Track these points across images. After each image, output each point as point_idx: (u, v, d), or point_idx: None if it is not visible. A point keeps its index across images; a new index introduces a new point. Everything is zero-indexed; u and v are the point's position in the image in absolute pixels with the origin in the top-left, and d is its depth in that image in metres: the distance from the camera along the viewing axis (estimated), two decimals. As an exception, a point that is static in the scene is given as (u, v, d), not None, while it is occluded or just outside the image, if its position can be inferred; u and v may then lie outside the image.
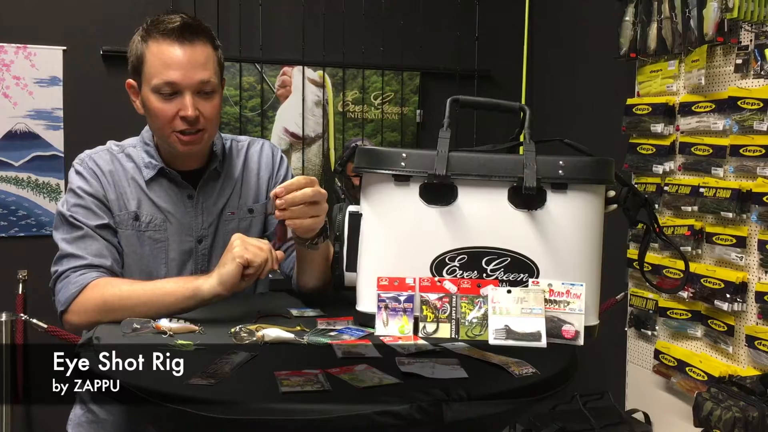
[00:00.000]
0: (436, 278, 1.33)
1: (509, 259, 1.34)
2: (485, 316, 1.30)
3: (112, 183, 1.56)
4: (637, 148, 2.79)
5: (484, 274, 1.34)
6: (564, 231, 1.33)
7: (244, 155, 1.68)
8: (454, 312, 1.31)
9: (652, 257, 2.70)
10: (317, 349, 1.24)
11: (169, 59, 1.47)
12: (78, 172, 1.56)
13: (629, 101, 2.83)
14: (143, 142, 1.61)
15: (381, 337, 1.29)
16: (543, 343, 1.27)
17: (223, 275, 1.37)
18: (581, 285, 1.31)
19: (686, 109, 2.59)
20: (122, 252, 1.55)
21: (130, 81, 1.56)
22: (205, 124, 1.51)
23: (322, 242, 1.48)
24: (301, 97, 3.42)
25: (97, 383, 1.12)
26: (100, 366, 1.11)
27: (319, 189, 1.39)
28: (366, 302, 1.37)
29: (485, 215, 1.33)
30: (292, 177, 1.75)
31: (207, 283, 1.38)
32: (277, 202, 1.36)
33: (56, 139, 3.08)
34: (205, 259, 1.60)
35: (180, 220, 1.58)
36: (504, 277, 1.34)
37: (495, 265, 1.34)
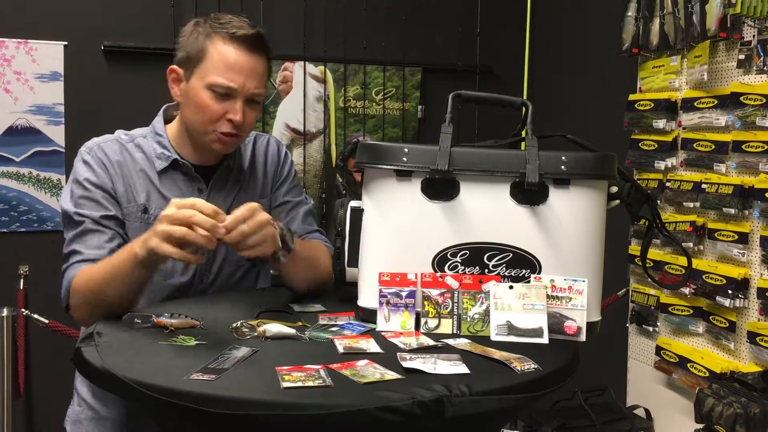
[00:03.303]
0: (438, 274, 1.33)
1: (511, 254, 1.33)
2: (487, 312, 1.30)
3: (121, 174, 1.56)
4: (639, 144, 2.78)
5: (486, 270, 1.34)
6: (566, 227, 1.33)
7: (251, 150, 1.70)
8: (455, 308, 1.31)
9: (654, 253, 2.70)
10: (319, 344, 1.23)
11: (235, 64, 1.50)
12: (85, 162, 1.56)
13: (631, 97, 2.83)
14: (155, 132, 1.61)
15: (382, 333, 1.29)
16: (545, 339, 1.27)
17: (150, 248, 1.30)
18: (583, 281, 1.30)
19: (688, 104, 2.58)
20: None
21: (176, 68, 1.57)
22: (244, 130, 1.56)
23: (285, 257, 1.46)
24: (303, 93, 3.42)
25: (97, 378, 1.12)
26: (101, 361, 1.11)
27: (255, 221, 1.34)
28: (367, 298, 1.36)
29: (487, 211, 1.33)
30: (295, 173, 1.77)
31: (139, 250, 1.32)
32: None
33: (57, 134, 3.08)
34: (211, 253, 1.60)
35: None
36: (506, 273, 1.34)
37: (497, 260, 1.33)
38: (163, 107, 1.68)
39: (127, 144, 1.59)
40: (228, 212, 1.62)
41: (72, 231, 1.52)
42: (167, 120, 1.65)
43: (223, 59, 1.50)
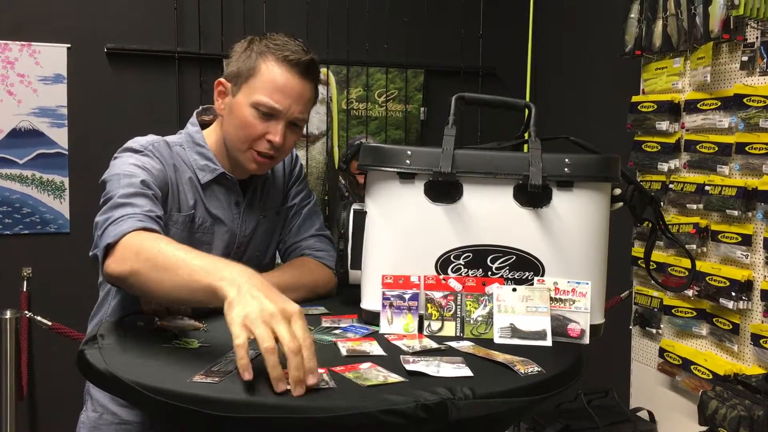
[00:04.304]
0: (441, 276, 1.33)
1: (514, 257, 1.33)
2: (490, 315, 1.30)
3: (176, 179, 1.53)
4: (642, 146, 2.78)
5: (490, 272, 1.33)
6: (570, 229, 1.33)
7: None
8: (459, 310, 1.31)
9: (658, 255, 2.69)
10: (322, 347, 1.23)
11: (284, 87, 1.48)
12: (146, 155, 1.49)
13: (634, 99, 2.83)
14: (194, 143, 1.58)
15: (386, 336, 1.29)
16: (548, 341, 1.27)
17: (230, 323, 1.05)
18: (587, 283, 1.30)
19: (692, 106, 2.58)
20: None
21: (224, 81, 1.55)
22: (282, 152, 1.54)
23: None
24: (305, 95, 3.41)
25: (101, 381, 1.12)
26: (104, 364, 1.11)
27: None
28: (371, 300, 1.36)
29: (490, 213, 1.33)
30: (304, 175, 1.77)
31: (226, 298, 1.08)
32: None
33: (60, 136, 3.08)
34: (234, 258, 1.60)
35: (228, 225, 1.59)
36: (509, 276, 1.33)
37: (500, 263, 1.33)
38: (195, 113, 1.65)
39: (172, 150, 1.56)
40: (258, 222, 1.63)
41: (129, 190, 1.39)
42: (202, 127, 1.62)
43: (273, 80, 1.48)
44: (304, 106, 1.52)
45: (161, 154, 1.52)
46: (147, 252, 1.24)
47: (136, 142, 1.53)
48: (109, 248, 1.30)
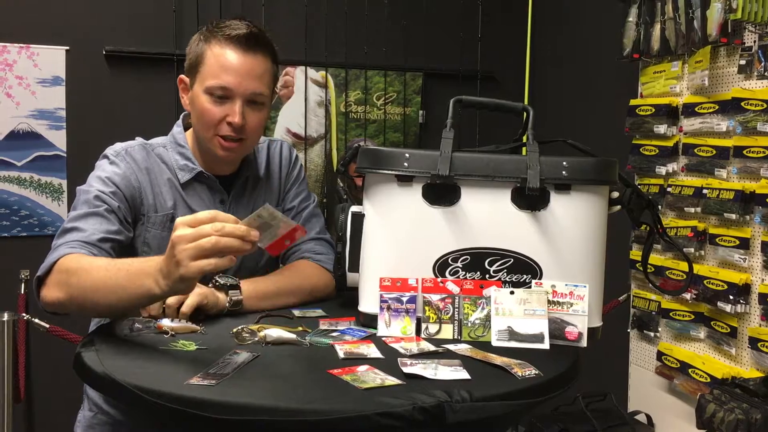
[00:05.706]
0: (439, 279, 1.33)
1: (512, 260, 1.33)
2: (488, 318, 1.30)
3: (149, 182, 1.54)
4: (640, 149, 2.78)
5: (487, 275, 1.33)
6: (567, 232, 1.33)
7: (266, 157, 1.69)
8: (456, 313, 1.31)
9: (655, 258, 2.69)
10: (319, 349, 1.23)
11: (228, 64, 1.48)
12: (113, 163, 1.53)
13: (632, 102, 2.83)
14: (176, 143, 1.60)
15: (383, 338, 1.29)
16: (546, 344, 1.27)
17: (178, 278, 1.16)
18: (584, 286, 1.30)
19: (689, 110, 2.58)
20: (144, 251, 1.53)
21: (183, 77, 1.57)
22: (249, 133, 1.52)
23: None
24: (304, 98, 3.42)
25: (97, 383, 1.12)
26: (101, 366, 1.11)
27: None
28: (368, 303, 1.36)
29: (488, 216, 1.33)
30: (304, 177, 1.77)
31: (158, 288, 1.19)
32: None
33: (59, 139, 3.08)
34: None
35: None
36: (507, 278, 1.34)
37: (498, 266, 1.33)
38: (182, 115, 1.66)
39: (151, 152, 1.58)
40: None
41: (82, 210, 1.46)
42: (185, 129, 1.63)
43: (219, 61, 1.48)
44: (258, 81, 1.50)
45: (133, 159, 1.54)
46: (76, 277, 1.29)
47: (112, 148, 1.57)
48: (41, 280, 1.36)
